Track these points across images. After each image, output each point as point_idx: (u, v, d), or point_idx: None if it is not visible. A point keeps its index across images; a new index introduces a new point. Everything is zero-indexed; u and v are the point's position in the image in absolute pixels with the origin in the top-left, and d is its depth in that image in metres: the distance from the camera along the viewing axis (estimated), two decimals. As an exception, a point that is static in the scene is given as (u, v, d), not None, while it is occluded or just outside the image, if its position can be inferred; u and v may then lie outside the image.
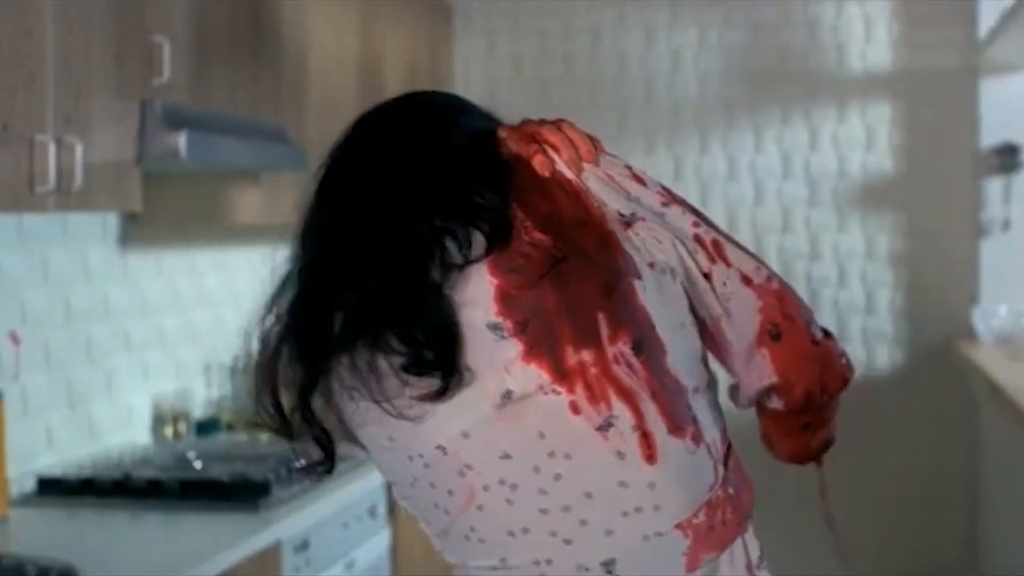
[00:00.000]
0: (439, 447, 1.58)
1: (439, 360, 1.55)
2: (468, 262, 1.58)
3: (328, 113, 4.40)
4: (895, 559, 5.49)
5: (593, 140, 1.76)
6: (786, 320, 1.71)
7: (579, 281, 1.59)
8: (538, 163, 1.69)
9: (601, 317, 1.58)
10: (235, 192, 3.95)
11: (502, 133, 1.75)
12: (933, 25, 5.47)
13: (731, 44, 5.61)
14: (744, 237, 5.57)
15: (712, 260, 1.71)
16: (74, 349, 3.73)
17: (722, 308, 1.69)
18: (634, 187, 1.72)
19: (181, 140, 3.14)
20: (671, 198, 1.73)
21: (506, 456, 1.56)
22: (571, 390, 1.56)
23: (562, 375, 1.56)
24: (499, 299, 1.57)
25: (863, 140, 5.53)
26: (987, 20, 5.15)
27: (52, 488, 3.40)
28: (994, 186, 5.39)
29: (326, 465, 1.68)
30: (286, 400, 1.68)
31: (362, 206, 1.65)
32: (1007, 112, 5.38)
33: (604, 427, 1.56)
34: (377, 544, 3.85)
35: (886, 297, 5.53)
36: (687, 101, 5.65)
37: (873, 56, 5.52)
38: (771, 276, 1.74)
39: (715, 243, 1.73)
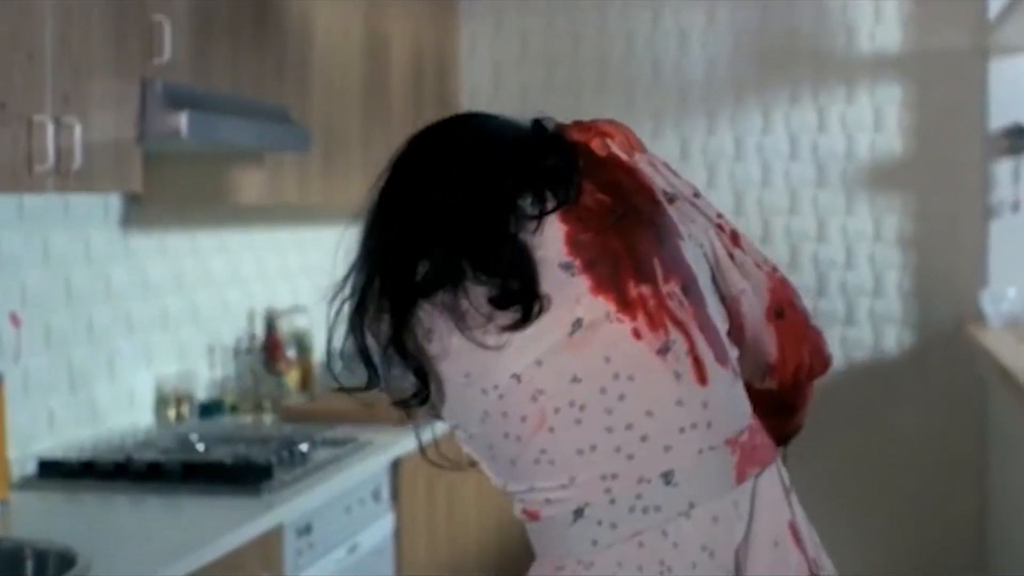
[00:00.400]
0: (514, 375, 1.74)
1: (522, 289, 1.73)
2: (542, 214, 1.77)
3: (333, 93, 4.37)
4: (903, 543, 5.46)
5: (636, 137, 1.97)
6: (787, 303, 1.96)
7: (637, 230, 1.79)
8: (596, 145, 1.88)
9: (656, 261, 1.78)
10: (238, 173, 3.92)
11: (561, 125, 1.93)
12: (943, 5, 5.42)
13: (739, 24, 5.57)
14: (751, 219, 5.54)
15: (734, 244, 1.93)
16: (75, 331, 3.70)
17: (745, 284, 1.91)
18: (672, 176, 1.93)
19: (182, 120, 3.11)
20: (699, 193, 1.94)
21: (575, 380, 1.73)
22: (633, 318, 1.74)
23: (625, 305, 1.74)
24: (569, 243, 1.76)
25: (872, 121, 5.48)
26: (997, 1, 5.10)
27: (53, 471, 3.37)
28: (1003, 168, 5.35)
29: (421, 395, 1.80)
30: (373, 346, 1.81)
31: (444, 173, 1.82)
32: (1017, 93, 5.34)
33: (663, 350, 1.75)
34: (381, 528, 3.83)
35: (894, 279, 5.49)
36: (695, 81, 5.61)
37: (882, 36, 5.47)
38: (775, 267, 1.98)
39: (734, 232, 1.94)
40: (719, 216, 1.93)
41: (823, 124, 5.52)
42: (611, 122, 1.94)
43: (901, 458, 5.48)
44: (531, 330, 1.73)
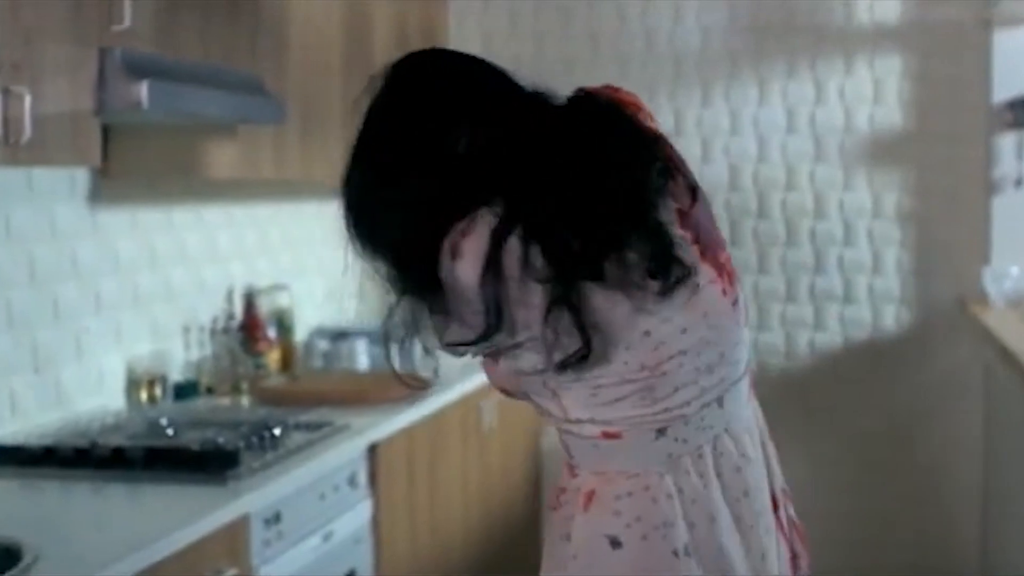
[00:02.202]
0: (646, 332, 1.99)
1: (676, 259, 1.99)
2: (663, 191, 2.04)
3: (311, 64, 4.21)
4: (902, 524, 5.34)
5: None
6: None
7: (702, 204, 2.09)
8: (644, 117, 2.13)
9: (717, 231, 2.13)
10: (210, 146, 3.76)
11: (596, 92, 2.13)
12: (945, -26, 5.27)
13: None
14: (747, 194, 5.42)
15: None
16: (40, 310, 3.57)
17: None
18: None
19: (142, 90, 2.96)
20: None
21: (684, 331, 2.01)
22: (721, 278, 2.06)
23: (719, 270, 2.07)
24: (679, 219, 2.03)
25: (871, 94, 5.33)
26: (1001, -31, 4.95)
27: (11, 457, 3.22)
28: (1007, 142, 5.21)
29: (583, 350, 1.96)
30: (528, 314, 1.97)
31: (601, 153, 2.01)
32: (1021, 66, 5.19)
33: (735, 303, 2.09)
34: (357, 515, 3.68)
35: (894, 256, 5.35)
36: (689, 53, 5.46)
37: (882, 6, 5.31)
38: None
39: None
40: None
41: (821, 97, 5.36)
42: (628, 93, 2.14)
43: (901, 439, 5.36)
44: (673, 296, 2.00)
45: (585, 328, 1.95)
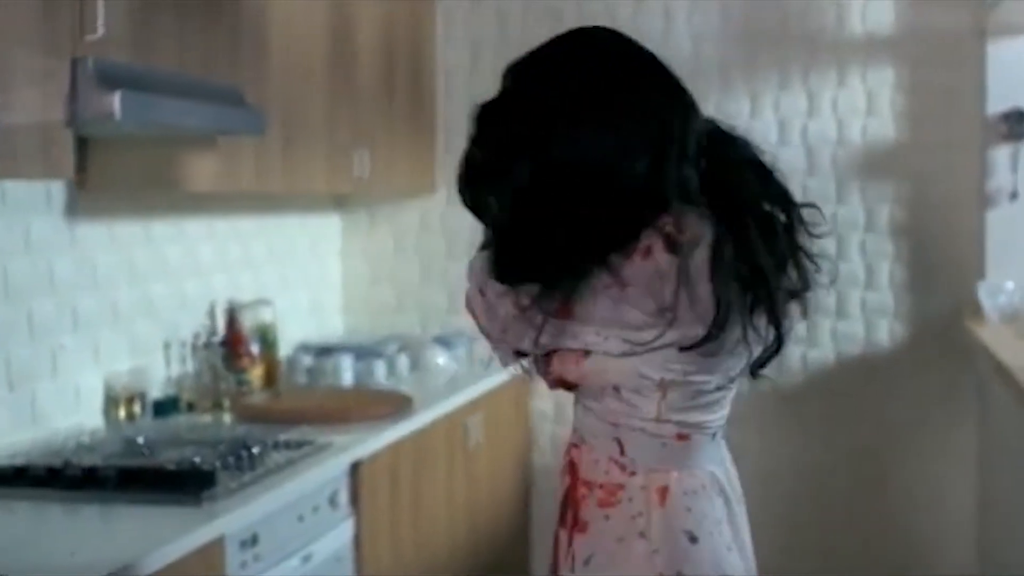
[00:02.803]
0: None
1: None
2: None
3: (293, 74, 4.14)
4: (898, 543, 5.26)
5: None
6: None
7: None
8: None
9: None
10: (189, 158, 3.68)
11: None
12: (939, -16, 5.19)
13: (727, 3, 5.33)
14: (738, 207, 5.31)
15: None
16: (15, 325, 3.49)
17: None
18: None
19: (115, 100, 2.87)
20: None
21: None
22: None
23: None
24: None
25: (864, 105, 5.25)
26: (996, -21, 4.87)
27: (-19, 477, 3.15)
28: (1001, 154, 5.12)
29: (773, 347, 2.12)
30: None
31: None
32: (1016, 76, 5.11)
33: None
34: (338, 536, 3.60)
35: (887, 270, 5.27)
36: (680, 63, 5.17)
37: (875, 16, 5.24)
38: None
39: None
40: None
41: (813, 108, 5.29)
42: None
43: (895, 456, 5.28)
44: None
45: (780, 327, 2.10)
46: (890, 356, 5.29)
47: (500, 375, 5.07)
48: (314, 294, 5.38)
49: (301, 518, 3.37)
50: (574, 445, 2.21)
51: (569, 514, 2.19)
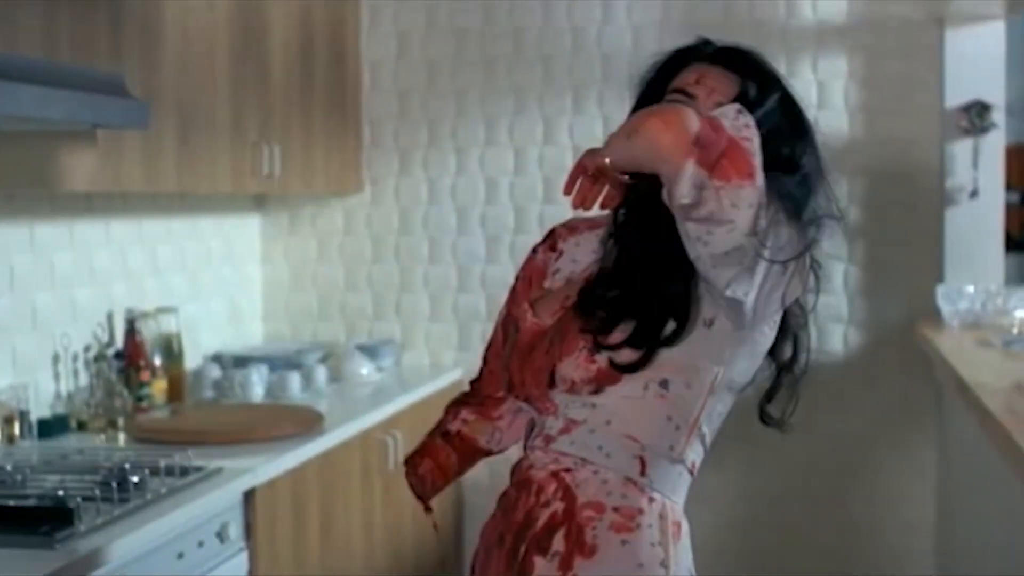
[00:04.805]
0: None
1: None
2: None
3: (190, 64, 3.79)
4: (856, 560, 4.96)
5: None
6: None
7: None
8: None
9: None
10: (65, 154, 3.32)
11: None
12: (894, -31, 4.89)
13: (669, -11, 5.02)
14: (683, 206, 5.00)
15: None
16: None
17: None
18: None
19: (-42, 89, 2.53)
20: None
21: None
22: None
23: None
24: None
25: (815, 97, 4.94)
26: (954, -38, 4.58)
27: None
28: (961, 148, 4.84)
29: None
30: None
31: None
32: (976, 67, 4.82)
33: None
34: (228, 573, 3.25)
35: (841, 273, 4.96)
36: (620, 53, 5.07)
37: (826, 3, 4.93)
38: None
39: None
40: None
41: (761, 100, 4.97)
42: None
43: (851, 469, 4.98)
44: None
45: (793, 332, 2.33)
46: (845, 364, 4.98)
47: (428, 386, 4.74)
48: (231, 300, 5.03)
49: (181, 555, 3.02)
50: (565, 470, 2.15)
51: (557, 539, 2.10)
